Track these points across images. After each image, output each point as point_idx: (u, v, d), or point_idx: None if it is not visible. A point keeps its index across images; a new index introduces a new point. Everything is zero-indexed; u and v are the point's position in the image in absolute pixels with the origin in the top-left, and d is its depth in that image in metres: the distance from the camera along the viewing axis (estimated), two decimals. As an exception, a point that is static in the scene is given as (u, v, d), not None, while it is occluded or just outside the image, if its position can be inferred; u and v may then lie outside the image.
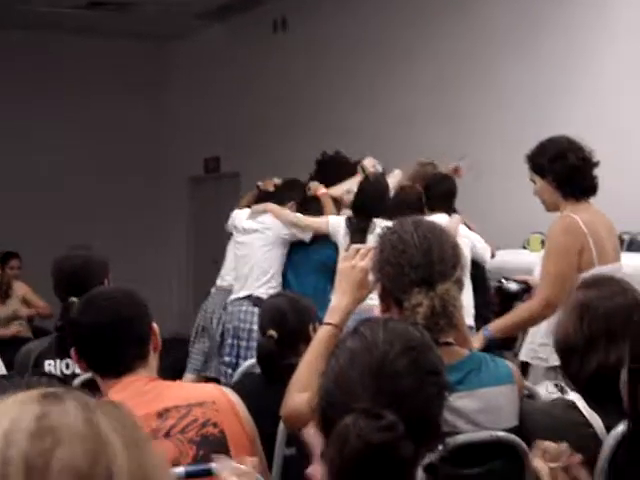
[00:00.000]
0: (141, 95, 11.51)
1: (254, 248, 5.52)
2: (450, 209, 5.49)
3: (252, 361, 3.64)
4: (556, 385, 2.80)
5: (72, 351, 2.42)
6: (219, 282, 6.16)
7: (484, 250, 5.48)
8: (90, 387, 3.01)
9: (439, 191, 5.54)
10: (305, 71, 9.39)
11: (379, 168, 5.84)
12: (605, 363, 2.20)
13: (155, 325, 2.40)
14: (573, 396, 2.26)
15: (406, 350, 1.60)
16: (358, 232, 5.17)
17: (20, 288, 7.62)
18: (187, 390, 2.33)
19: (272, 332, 3.10)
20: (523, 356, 3.96)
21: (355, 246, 2.43)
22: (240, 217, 5.74)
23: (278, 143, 9.53)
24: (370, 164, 5.81)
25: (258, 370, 3.48)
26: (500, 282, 4.93)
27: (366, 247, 2.39)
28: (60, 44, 10.87)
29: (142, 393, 2.23)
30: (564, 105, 6.67)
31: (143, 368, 2.31)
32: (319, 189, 5.68)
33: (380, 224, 5.05)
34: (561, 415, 2.22)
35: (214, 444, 2.15)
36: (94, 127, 11.14)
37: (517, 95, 7.07)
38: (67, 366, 3.17)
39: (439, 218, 5.34)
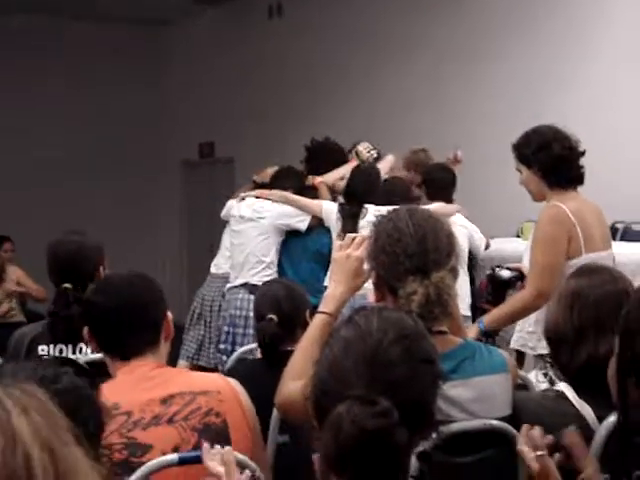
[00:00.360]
0: (137, 79, 11.48)
1: (249, 237, 5.52)
2: (449, 199, 5.51)
3: (246, 347, 3.66)
4: (545, 374, 2.82)
5: (85, 330, 2.42)
6: (214, 270, 6.14)
7: (480, 241, 5.52)
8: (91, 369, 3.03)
9: (439, 181, 5.56)
10: (300, 57, 9.37)
11: (374, 153, 5.84)
12: (595, 354, 2.21)
13: (170, 314, 2.40)
14: (562, 386, 2.26)
15: (400, 338, 1.60)
16: (350, 218, 5.20)
17: (14, 272, 7.61)
18: (193, 378, 2.33)
19: (272, 315, 3.12)
20: (513, 344, 3.98)
21: (350, 235, 2.43)
22: (236, 206, 5.73)
23: (273, 129, 9.52)
24: (365, 149, 5.81)
25: (252, 356, 3.49)
26: (492, 270, 4.94)
27: (361, 236, 2.39)
28: (57, 28, 10.83)
29: (148, 378, 2.24)
30: (559, 93, 6.67)
31: (152, 354, 2.31)
32: (315, 178, 5.69)
33: (372, 210, 5.09)
34: (552, 406, 2.23)
35: (216, 433, 2.16)
36: (90, 110, 11.12)
37: (511, 83, 7.07)
38: (60, 351, 3.16)
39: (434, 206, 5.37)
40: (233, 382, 2.32)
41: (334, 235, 5.23)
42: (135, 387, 2.22)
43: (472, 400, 2.18)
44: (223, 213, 5.90)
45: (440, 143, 6.18)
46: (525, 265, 3.85)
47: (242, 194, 5.75)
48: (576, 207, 3.55)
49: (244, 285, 5.45)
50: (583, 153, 3.67)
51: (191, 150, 11.41)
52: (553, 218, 3.54)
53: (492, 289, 4.77)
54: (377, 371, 1.56)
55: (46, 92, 10.80)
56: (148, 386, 2.21)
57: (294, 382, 2.24)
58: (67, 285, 3.17)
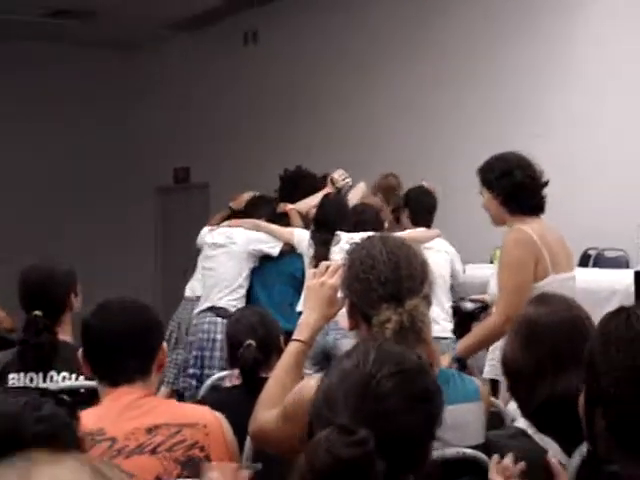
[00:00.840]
0: (110, 104, 11.45)
1: (220, 262, 5.57)
2: (430, 224, 5.55)
3: (220, 374, 3.64)
4: None
5: (80, 351, 2.40)
6: (189, 293, 6.17)
7: (461, 266, 5.56)
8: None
9: (423, 205, 5.59)
10: (275, 84, 9.40)
11: (348, 181, 5.89)
12: (554, 392, 2.19)
13: (165, 345, 2.39)
14: (522, 423, 2.25)
15: (395, 373, 1.60)
16: (322, 245, 5.27)
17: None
18: (180, 410, 2.32)
19: (250, 341, 3.12)
20: (487, 374, 3.98)
21: (325, 263, 2.43)
22: (209, 233, 5.77)
23: (248, 155, 9.53)
24: (340, 176, 5.86)
25: (226, 383, 3.48)
26: (456, 302, 4.97)
27: (335, 264, 2.40)
28: (27, 52, 10.79)
29: (135, 406, 2.23)
30: (530, 123, 6.73)
31: (142, 382, 2.29)
32: (287, 205, 5.75)
33: (345, 237, 5.15)
34: (518, 444, 2.22)
35: (198, 467, 2.14)
36: (62, 135, 11.07)
37: (480, 113, 7.13)
38: (31, 380, 3.13)
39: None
40: (220, 416, 2.30)
41: (306, 262, 5.29)
42: (122, 414, 2.21)
43: (445, 428, 2.17)
44: (198, 241, 5.93)
45: (410, 172, 6.24)
46: (491, 293, 3.87)
47: (214, 225, 5.81)
48: (539, 230, 3.60)
49: (211, 308, 5.47)
50: (546, 183, 3.74)
51: (166, 175, 11.39)
52: (518, 241, 3.58)
53: (457, 321, 4.81)
54: (365, 402, 1.56)
55: (15, 117, 10.73)
56: (135, 414, 2.21)
57: (268, 411, 2.23)
58: (37, 312, 3.14)
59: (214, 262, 5.61)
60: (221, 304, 5.39)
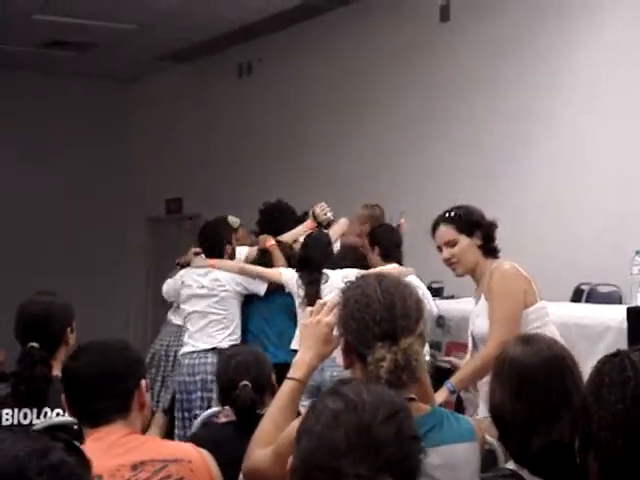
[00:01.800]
0: (103, 136, 11.48)
1: (211, 306, 5.64)
2: (401, 259, 5.57)
3: (210, 411, 3.62)
4: None
5: (63, 397, 2.41)
6: (176, 320, 6.23)
7: (432, 303, 5.56)
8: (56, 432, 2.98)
9: (392, 241, 5.62)
10: (268, 115, 9.45)
11: (330, 215, 5.94)
12: (548, 441, 2.13)
13: (144, 382, 2.38)
14: (514, 465, 2.19)
15: (391, 416, 1.57)
16: (311, 284, 5.31)
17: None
18: (165, 446, 2.32)
19: (245, 382, 3.11)
20: (482, 413, 3.97)
21: (320, 301, 2.43)
22: (188, 274, 5.79)
23: (241, 186, 9.55)
24: (321, 210, 5.91)
25: (219, 420, 3.46)
26: (433, 358, 4.98)
27: (331, 302, 2.39)
28: (20, 83, 10.83)
29: (119, 445, 2.23)
30: (516, 158, 6.77)
31: (123, 421, 2.29)
32: (268, 241, 5.75)
33: (336, 276, 5.18)
34: None
35: None
36: (55, 167, 11.08)
37: (467, 150, 7.18)
38: (25, 416, 3.11)
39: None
40: (205, 453, 2.29)
41: (297, 302, 5.31)
42: (106, 453, 2.20)
43: (438, 467, 2.16)
44: (169, 290, 5.97)
45: (391, 208, 6.28)
46: (477, 331, 3.86)
47: (195, 264, 5.79)
48: (515, 264, 3.76)
49: (212, 350, 5.49)
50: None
51: (158, 206, 11.39)
52: (506, 274, 3.70)
53: (432, 377, 4.77)
54: (371, 446, 1.52)
55: (8, 147, 10.75)
56: (119, 452, 2.20)
57: (262, 449, 2.21)
58: (33, 344, 3.14)
59: (204, 304, 5.65)
60: (223, 346, 5.40)
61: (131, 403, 2.33)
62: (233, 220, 5.99)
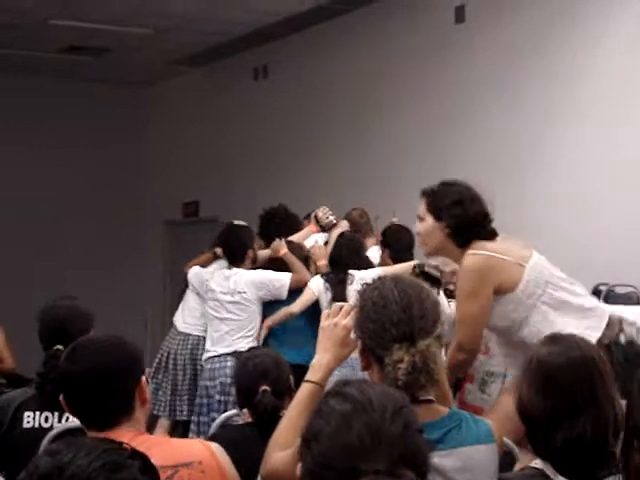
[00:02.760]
0: (119, 140, 11.51)
1: (231, 311, 5.70)
2: (413, 259, 5.56)
3: (230, 413, 3.63)
4: None
5: (61, 397, 2.35)
6: (182, 327, 6.21)
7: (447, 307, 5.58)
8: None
9: (402, 242, 5.62)
10: (285, 118, 9.46)
11: (332, 219, 5.99)
12: (570, 438, 2.16)
13: (144, 378, 2.34)
14: (540, 463, 2.21)
15: (398, 411, 1.59)
16: (338, 284, 5.30)
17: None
18: (175, 448, 2.27)
19: (266, 387, 3.10)
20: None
21: (337, 304, 2.43)
22: (212, 279, 5.82)
23: (258, 189, 9.55)
24: (324, 214, 5.96)
25: (237, 421, 3.47)
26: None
27: (348, 305, 2.40)
28: (37, 88, 10.87)
29: None
30: (537, 153, 6.74)
31: (127, 422, 2.25)
32: (280, 250, 5.75)
33: (357, 276, 5.18)
34: None
35: None
36: (72, 171, 11.13)
37: (479, 153, 7.16)
38: (46, 419, 3.14)
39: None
40: (213, 446, 2.27)
41: (324, 306, 5.32)
42: None
43: (457, 470, 2.16)
44: (193, 280, 6.00)
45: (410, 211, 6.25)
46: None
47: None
48: (493, 245, 3.47)
49: (232, 354, 5.54)
50: (491, 219, 3.56)
51: (175, 210, 11.42)
52: (471, 268, 3.44)
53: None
54: (384, 445, 1.53)
55: (24, 150, 10.81)
56: None
57: (281, 453, 2.22)
58: (59, 347, 3.16)
59: (226, 311, 5.71)
60: (243, 349, 5.45)
61: (133, 401, 2.28)
62: (239, 224, 6.01)
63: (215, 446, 2.29)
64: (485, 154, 7.15)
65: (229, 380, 5.40)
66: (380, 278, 2.36)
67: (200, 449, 2.25)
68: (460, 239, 3.49)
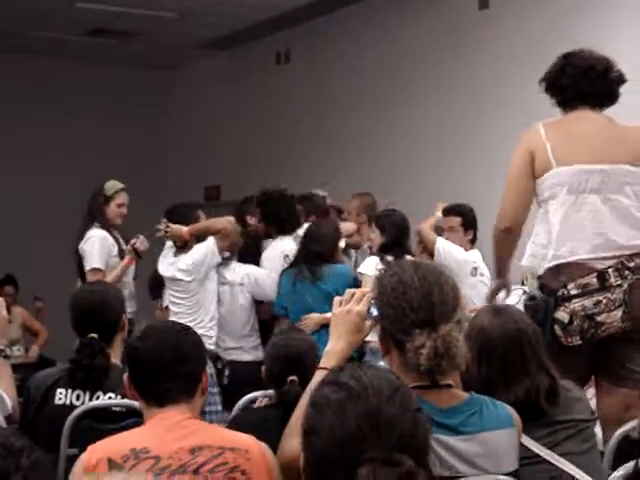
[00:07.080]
0: (143, 123, 11.53)
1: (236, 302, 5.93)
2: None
3: (252, 395, 3.63)
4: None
5: (125, 376, 2.45)
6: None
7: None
8: (92, 417, 3.05)
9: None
10: (307, 102, 9.45)
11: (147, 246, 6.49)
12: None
13: (208, 369, 2.44)
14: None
15: (394, 393, 1.60)
16: None
17: (19, 314, 7.61)
18: (223, 434, 2.34)
19: (294, 377, 3.10)
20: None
21: (350, 290, 2.43)
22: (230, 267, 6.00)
23: (279, 173, 9.56)
24: (140, 244, 6.55)
25: (256, 404, 3.48)
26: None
27: (361, 291, 2.40)
28: (61, 70, 10.91)
29: (181, 427, 2.26)
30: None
31: (187, 404, 2.33)
32: (183, 232, 6.27)
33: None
34: None
35: None
36: (94, 154, 11.15)
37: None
38: (77, 397, 3.19)
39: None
40: (264, 445, 2.30)
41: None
42: (166, 434, 2.23)
43: (479, 455, 2.17)
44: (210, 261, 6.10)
45: (429, 203, 6.24)
46: None
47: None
48: (557, 123, 3.86)
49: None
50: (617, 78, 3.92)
51: (197, 193, 11.45)
52: (519, 144, 3.83)
53: None
54: (383, 429, 1.54)
55: (46, 133, 10.84)
56: (179, 435, 2.23)
57: (298, 440, 2.22)
58: (93, 335, 3.22)
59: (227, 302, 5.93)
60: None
61: (197, 386, 2.38)
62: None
63: (265, 446, 2.31)
64: (512, 142, 7.10)
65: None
66: (398, 263, 2.37)
67: (250, 441, 2.29)
68: (556, 98, 4.04)
